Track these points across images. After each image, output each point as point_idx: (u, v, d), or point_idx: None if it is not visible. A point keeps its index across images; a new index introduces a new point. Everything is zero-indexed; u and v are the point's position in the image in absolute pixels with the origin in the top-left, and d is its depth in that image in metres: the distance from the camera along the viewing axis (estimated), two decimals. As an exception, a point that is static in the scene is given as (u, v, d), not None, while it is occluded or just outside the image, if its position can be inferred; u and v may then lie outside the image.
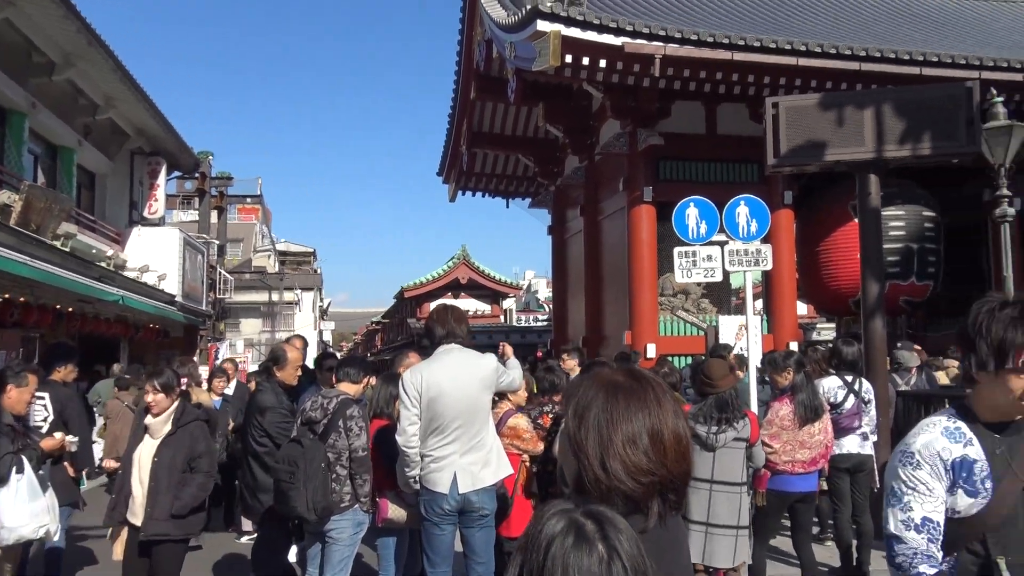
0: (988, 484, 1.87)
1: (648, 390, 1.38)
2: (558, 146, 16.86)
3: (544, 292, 52.42)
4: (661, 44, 11.15)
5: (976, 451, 1.88)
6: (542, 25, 10.76)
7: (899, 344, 9.53)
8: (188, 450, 4.42)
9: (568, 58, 10.99)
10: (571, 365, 7.18)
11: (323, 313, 45.16)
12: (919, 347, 10.08)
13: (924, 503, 1.85)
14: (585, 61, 11.14)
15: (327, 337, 48.46)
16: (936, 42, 13.36)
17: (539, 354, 23.52)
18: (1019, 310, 1.84)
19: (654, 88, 12.07)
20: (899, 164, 7.46)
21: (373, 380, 5.54)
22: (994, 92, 8.83)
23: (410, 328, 36.49)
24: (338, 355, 7.86)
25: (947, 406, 2.02)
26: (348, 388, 4.84)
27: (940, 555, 1.86)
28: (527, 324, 38.03)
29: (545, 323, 34.07)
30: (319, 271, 44.09)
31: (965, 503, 1.88)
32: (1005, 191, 8.49)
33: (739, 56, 11.34)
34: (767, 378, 7.76)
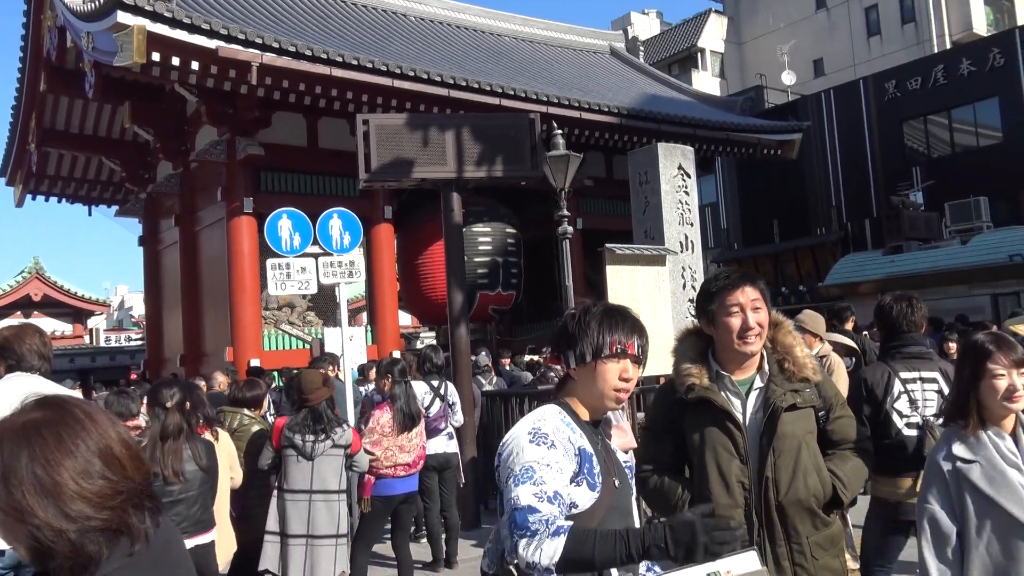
0: (599, 479, 1.92)
1: (72, 410, 1.24)
2: (149, 150, 15.60)
3: (140, 309, 48.12)
4: (259, 52, 10.92)
5: (586, 443, 1.94)
6: (124, 17, 9.88)
7: (482, 350, 10.43)
8: None
9: (156, 56, 10.25)
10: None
11: None
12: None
13: (556, 479, 1.82)
14: (175, 62, 10.48)
15: None
16: (514, 77, 14.94)
17: (132, 376, 21.48)
18: (605, 308, 2.05)
19: (253, 96, 11.78)
20: (477, 184, 8.18)
21: None
22: (555, 124, 10.12)
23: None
24: None
25: (549, 402, 2.07)
26: None
27: None
28: (118, 344, 34.52)
29: (140, 342, 31.25)
30: None
31: (584, 497, 1.89)
32: (565, 211, 9.77)
33: (337, 72, 11.55)
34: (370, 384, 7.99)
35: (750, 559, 2.07)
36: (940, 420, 3.66)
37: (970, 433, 2.47)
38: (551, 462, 1.84)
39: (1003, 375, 2.44)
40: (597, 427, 2.07)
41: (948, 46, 27.19)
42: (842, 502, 2.50)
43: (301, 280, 6.68)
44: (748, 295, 2.50)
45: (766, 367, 2.57)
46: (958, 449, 2.47)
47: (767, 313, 2.54)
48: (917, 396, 3.68)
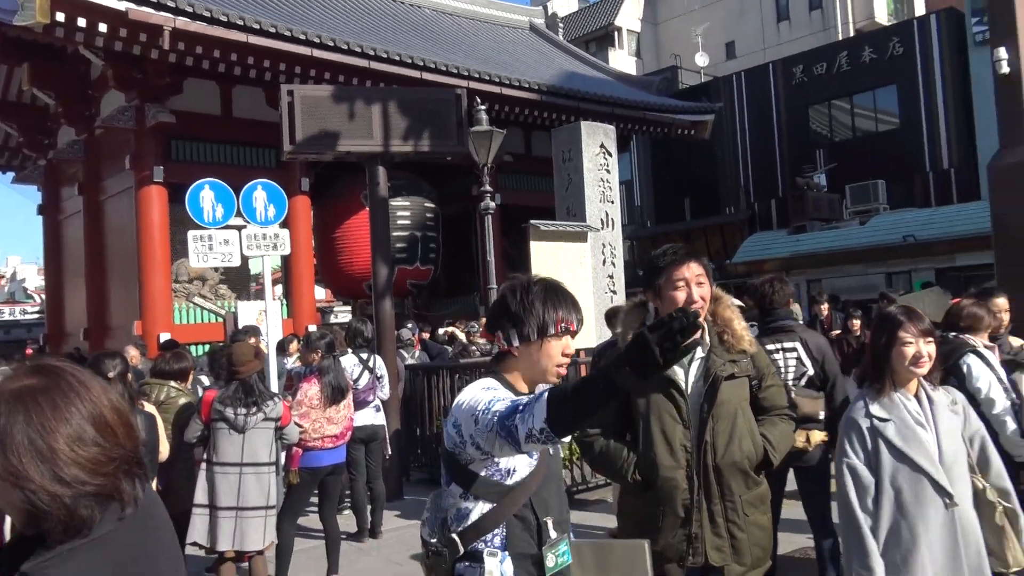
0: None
1: (67, 377, 1.26)
2: (50, 114, 14.83)
3: (34, 280, 45.86)
4: (171, 16, 10.52)
5: None
6: (25, -26, 9.36)
7: (408, 324, 10.46)
8: None
9: (60, 17, 9.76)
10: None
11: None
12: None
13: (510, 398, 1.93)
14: (82, 23, 10.00)
15: None
16: (434, 51, 14.83)
17: (28, 351, 20.56)
18: (545, 285, 2.09)
19: (164, 61, 11.35)
20: (403, 158, 8.17)
21: None
22: (478, 100, 10.15)
23: None
24: None
25: (484, 375, 2.14)
26: None
27: None
28: (13, 318, 32.90)
29: (37, 315, 29.86)
30: None
31: (524, 464, 1.98)
32: (488, 187, 9.84)
33: (255, 40, 11.25)
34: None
35: (637, 548, 2.24)
36: (803, 383, 4.22)
37: (884, 395, 2.74)
38: (504, 396, 1.93)
39: (911, 343, 2.70)
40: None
41: (852, 34, 28.34)
42: (772, 463, 2.71)
43: (224, 252, 6.56)
44: (693, 270, 2.66)
45: (707, 339, 2.73)
46: (875, 409, 2.74)
47: (709, 288, 2.71)
48: (780, 364, 4.18)
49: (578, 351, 8.16)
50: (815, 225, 19.59)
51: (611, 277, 8.76)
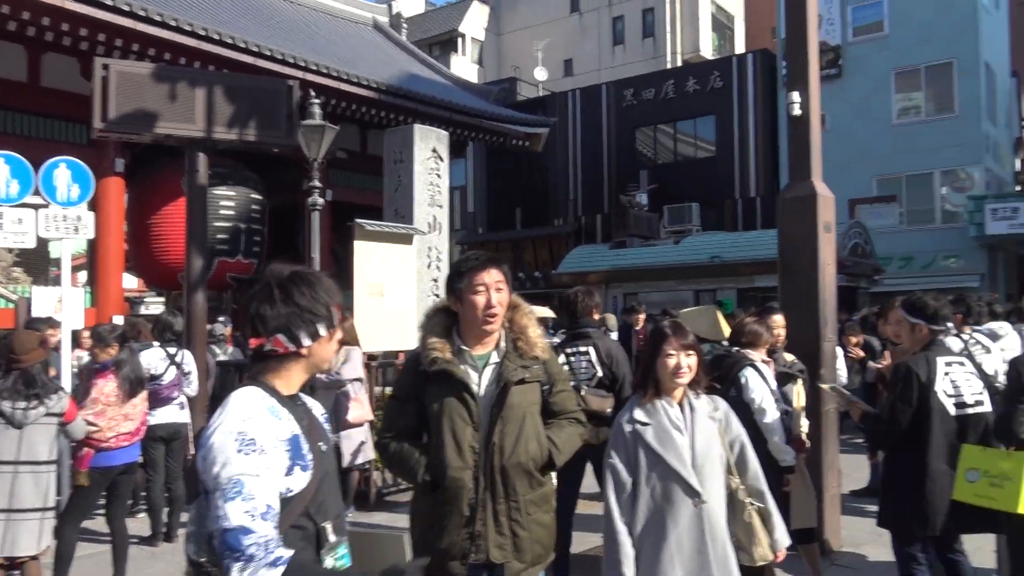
0: (310, 455, 1.86)
1: None
2: None
3: None
4: (-29, -32, 9.60)
5: (294, 425, 1.85)
6: None
7: (221, 318, 10.07)
8: None
9: None
10: None
11: None
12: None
13: (267, 490, 1.73)
14: None
15: None
16: (269, 37, 14.37)
17: None
18: (316, 276, 1.96)
19: (-39, 18, 10.33)
20: (227, 146, 7.87)
21: None
22: (313, 93, 9.96)
23: None
24: None
25: (247, 382, 1.93)
26: None
27: None
28: None
29: None
30: None
31: (301, 479, 1.83)
32: (317, 183, 9.67)
33: (70, 5, 10.46)
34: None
35: (397, 540, 2.34)
36: (593, 383, 4.70)
37: (647, 401, 3.00)
38: (261, 471, 1.73)
39: (673, 355, 2.97)
40: (295, 399, 1.99)
41: (679, 64, 30.12)
42: (555, 465, 2.87)
43: (16, 232, 6.05)
44: (493, 276, 2.77)
45: (503, 344, 2.85)
46: (638, 414, 3.00)
47: (508, 295, 2.82)
48: (574, 367, 4.75)
49: (396, 353, 8.18)
50: (635, 241, 20.62)
51: (435, 281, 8.83)
